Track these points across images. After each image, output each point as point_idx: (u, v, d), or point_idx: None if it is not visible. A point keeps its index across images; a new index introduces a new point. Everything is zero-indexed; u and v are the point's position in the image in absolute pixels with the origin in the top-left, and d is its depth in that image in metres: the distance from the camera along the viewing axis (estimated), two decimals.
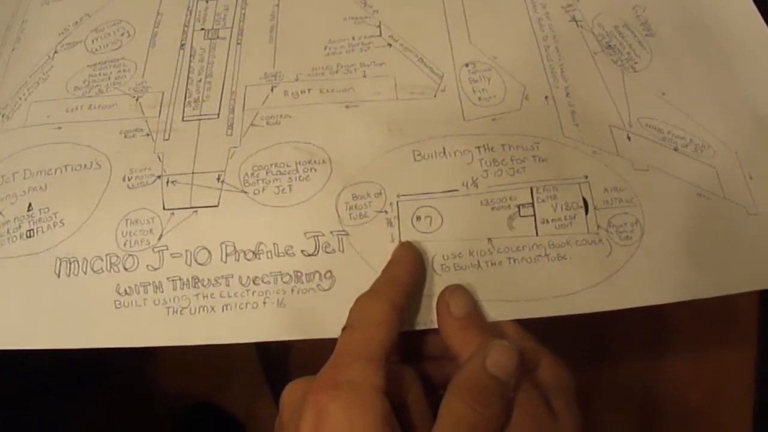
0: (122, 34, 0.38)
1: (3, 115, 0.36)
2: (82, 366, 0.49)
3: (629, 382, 0.49)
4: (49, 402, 0.49)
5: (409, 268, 0.29)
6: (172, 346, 0.29)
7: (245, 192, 0.31)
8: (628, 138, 0.34)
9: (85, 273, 0.30)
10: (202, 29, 0.38)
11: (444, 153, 0.33)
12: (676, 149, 0.34)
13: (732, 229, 0.32)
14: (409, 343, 0.31)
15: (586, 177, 0.32)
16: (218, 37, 0.37)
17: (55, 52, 0.38)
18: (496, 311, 0.30)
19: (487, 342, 0.27)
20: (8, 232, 0.32)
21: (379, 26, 0.38)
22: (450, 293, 0.29)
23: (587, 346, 0.47)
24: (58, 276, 0.30)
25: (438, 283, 0.30)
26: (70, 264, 0.30)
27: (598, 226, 0.31)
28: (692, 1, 0.40)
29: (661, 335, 0.48)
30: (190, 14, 0.38)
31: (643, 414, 0.48)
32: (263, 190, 0.31)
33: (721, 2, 0.40)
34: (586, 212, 0.31)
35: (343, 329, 0.27)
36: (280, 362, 0.39)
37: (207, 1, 0.39)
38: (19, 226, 0.31)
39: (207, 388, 0.49)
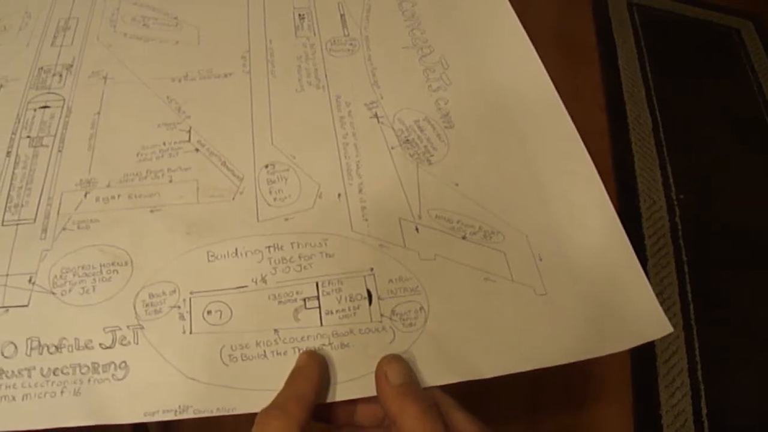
0: None
1: None
2: None
3: None
4: None
5: (315, 385, 0.30)
6: None
7: (53, 293, 0.34)
8: (417, 229, 0.36)
9: None
10: (28, 137, 0.40)
11: (236, 253, 0.35)
12: (464, 237, 0.36)
13: (519, 310, 0.34)
14: (343, 413, 0.32)
15: (372, 269, 0.35)
16: (42, 144, 0.39)
17: None
18: None
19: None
20: None
21: (189, 131, 0.40)
22: (387, 362, 0.31)
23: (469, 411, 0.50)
24: None
25: (225, 374, 0.32)
26: None
27: (382, 315, 0.33)
28: (494, 93, 0.43)
29: (538, 395, 0.50)
30: (19, 122, 0.41)
31: None
32: (70, 291, 0.34)
33: (523, 93, 0.42)
34: (370, 303, 0.34)
35: None
36: None
37: (35, 110, 0.41)
38: None
39: None
